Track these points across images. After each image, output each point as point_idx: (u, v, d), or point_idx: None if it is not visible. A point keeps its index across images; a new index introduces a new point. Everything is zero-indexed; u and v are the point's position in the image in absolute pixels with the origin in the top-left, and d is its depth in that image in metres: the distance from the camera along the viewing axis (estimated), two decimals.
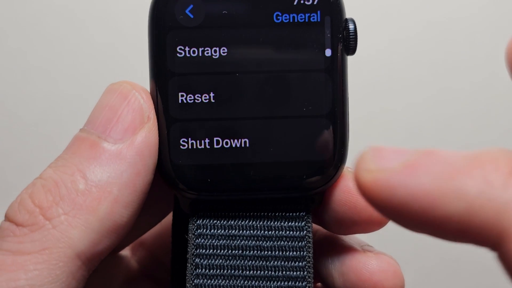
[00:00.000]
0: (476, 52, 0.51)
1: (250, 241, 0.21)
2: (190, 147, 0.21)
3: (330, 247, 0.23)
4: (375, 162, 0.16)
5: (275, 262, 0.21)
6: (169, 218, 0.26)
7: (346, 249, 0.23)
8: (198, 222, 0.21)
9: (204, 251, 0.21)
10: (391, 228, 0.24)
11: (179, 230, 0.24)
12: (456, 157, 0.15)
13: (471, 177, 0.14)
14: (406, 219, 0.15)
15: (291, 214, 0.21)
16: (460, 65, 0.51)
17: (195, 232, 0.21)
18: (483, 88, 0.51)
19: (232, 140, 0.20)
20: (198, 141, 0.21)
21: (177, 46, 0.20)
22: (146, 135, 0.20)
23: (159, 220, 0.26)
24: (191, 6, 0.20)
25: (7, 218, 0.19)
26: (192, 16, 0.20)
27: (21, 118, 0.51)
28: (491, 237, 0.14)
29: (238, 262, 0.21)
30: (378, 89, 0.51)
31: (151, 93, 0.21)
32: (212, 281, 0.21)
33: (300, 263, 0.21)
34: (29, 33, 0.50)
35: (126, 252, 0.26)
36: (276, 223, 0.21)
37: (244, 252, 0.21)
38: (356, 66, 0.21)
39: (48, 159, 0.20)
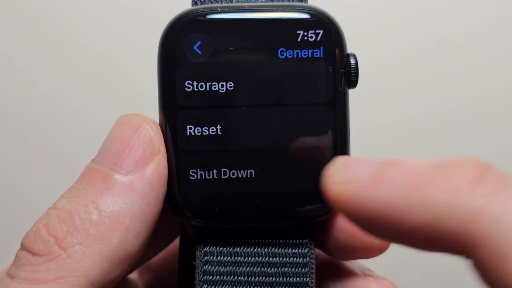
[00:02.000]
0: (475, 53, 0.52)
1: (255, 267, 0.22)
2: (198, 177, 0.21)
3: (332, 271, 0.24)
4: (343, 174, 0.16)
5: None
6: (175, 242, 0.27)
7: (347, 274, 0.24)
8: (205, 249, 0.22)
9: (211, 277, 0.22)
10: (392, 253, 0.24)
11: (186, 256, 0.25)
12: (421, 166, 0.15)
13: (436, 186, 0.14)
14: (376, 230, 0.15)
15: (294, 241, 0.22)
16: (459, 67, 0.52)
17: (202, 259, 0.22)
18: (483, 90, 0.52)
19: (238, 171, 0.21)
20: (206, 172, 0.21)
21: (186, 81, 0.21)
22: (156, 166, 0.21)
23: (166, 245, 0.27)
24: (199, 42, 0.21)
25: (23, 247, 0.20)
26: (200, 52, 0.21)
27: (20, 118, 0.51)
28: (461, 246, 0.14)
29: None
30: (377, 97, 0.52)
31: (161, 126, 0.22)
32: None
33: None
34: (29, 33, 0.51)
35: (133, 275, 0.27)
36: (280, 250, 0.22)
37: (250, 278, 0.22)
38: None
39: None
